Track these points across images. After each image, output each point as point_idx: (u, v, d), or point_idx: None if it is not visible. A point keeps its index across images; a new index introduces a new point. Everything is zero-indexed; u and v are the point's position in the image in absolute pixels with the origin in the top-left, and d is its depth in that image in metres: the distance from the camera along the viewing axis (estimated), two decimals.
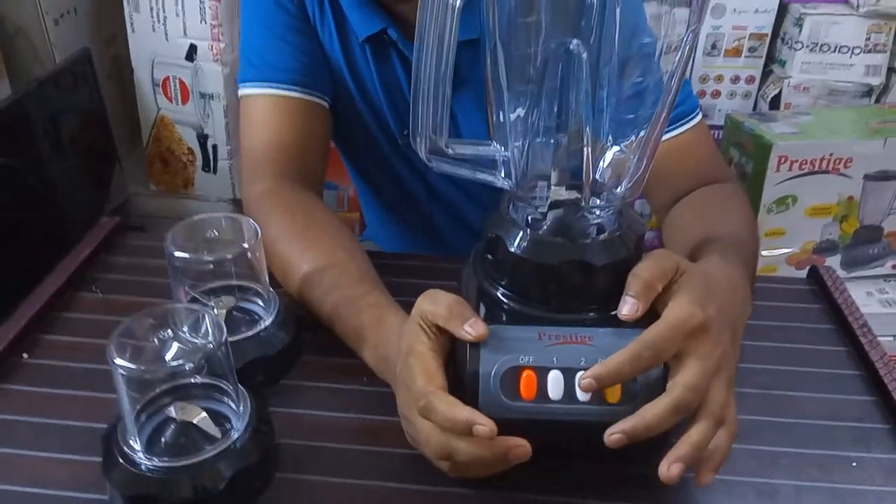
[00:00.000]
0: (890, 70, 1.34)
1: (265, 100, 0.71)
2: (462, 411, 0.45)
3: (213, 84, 1.34)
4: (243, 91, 0.73)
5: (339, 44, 0.75)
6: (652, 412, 0.44)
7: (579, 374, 0.47)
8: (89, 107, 1.35)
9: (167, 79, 1.35)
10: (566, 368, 0.47)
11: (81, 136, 1.34)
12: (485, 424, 0.43)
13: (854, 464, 0.53)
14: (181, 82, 1.35)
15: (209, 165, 1.43)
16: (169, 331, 0.49)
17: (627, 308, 0.47)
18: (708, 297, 0.47)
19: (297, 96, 0.71)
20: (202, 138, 1.40)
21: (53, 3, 1.35)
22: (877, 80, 1.33)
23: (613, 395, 0.47)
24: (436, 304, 0.47)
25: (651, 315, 0.47)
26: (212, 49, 1.31)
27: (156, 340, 0.49)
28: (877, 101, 1.35)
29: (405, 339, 0.49)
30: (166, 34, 1.31)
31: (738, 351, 0.50)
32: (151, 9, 1.30)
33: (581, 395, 0.47)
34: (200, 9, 1.28)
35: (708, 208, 0.67)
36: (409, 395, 0.48)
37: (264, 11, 0.73)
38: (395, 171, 0.83)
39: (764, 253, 1.21)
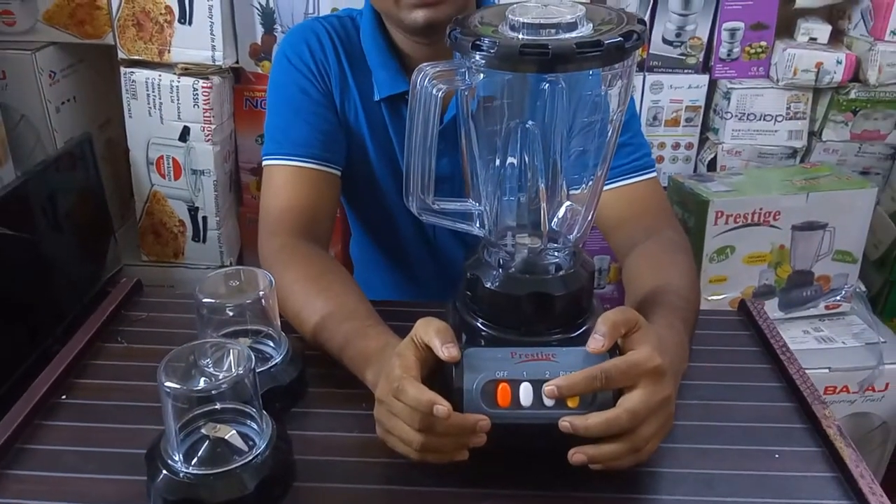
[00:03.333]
0: (811, 134, 1.52)
1: (285, 170, 0.83)
2: (427, 393, 0.55)
3: (204, 161, 1.46)
4: (267, 162, 0.85)
5: (361, 108, 0.87)
6: (594, 419, 0.55)
7: (545, 384, 0.58)
8: (87, 185, 1.46)
9: (161, 157, 1.47)
10: (534, 380, 0.58)
11: (80, 213, 1.43)
12: (444, 405, 0.54)
13: (777, 455, 0.64)
14: (174, 160, 1.46)
15: (199, 236, 1.53)
16: (205, 360, 0.59)
17: (595, 343, 0.58)
18: (663, 350, 0.58)
19: (312, 167, 0.83)
20: (193, 211, 1.50)
21: (55, 93, 1.46)
22: (799, 143, 1.49)
23: (573, 402, 0.58)
24: (427, 325, 0.58)
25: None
26: (203, 130, 1.43)
27: (195, 369, 0.59)
28: (801, 161, 1.52)
29: (398, 348, 0.59)
30: (161, 118, 1.43)
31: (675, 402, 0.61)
32: (148, 95, 1.42)
33: (547, 402, 0.58)
34: (194, 95, 1.41)
35: (660, 260, 0.78)
36: (386, 383, 0.57)
37: (290, 96, 0.86)
38: (399, 219, 0.94)
39: (709, 297, 1.34)
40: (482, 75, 0.56)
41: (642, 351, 0.57)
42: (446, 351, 0.57)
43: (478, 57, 0.53)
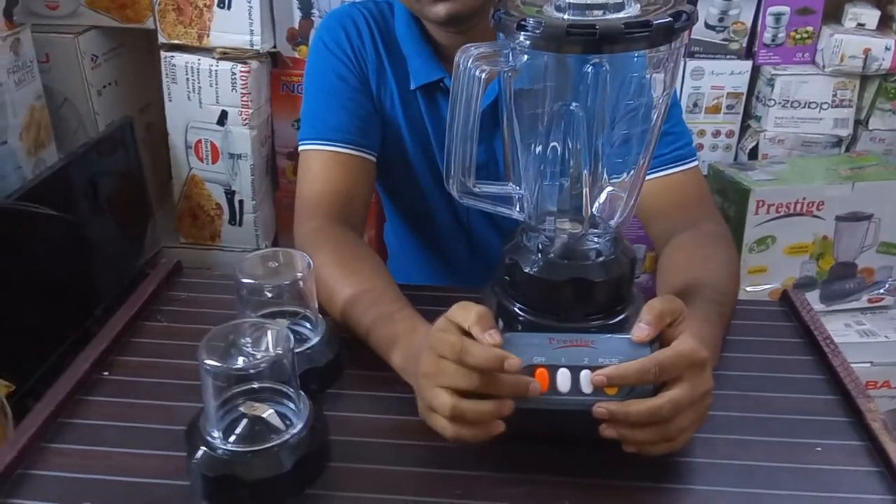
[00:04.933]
0: (857, 122, 1.48)
1: (321, 155, 0.84)
2: (493, 350, 0.54)
3: (242, 145, 1.47)
4: (303, 147, 0.85)
5: (398, 95, 0.87)
6: (635, 406, 0.55)
7: (584, 370, 0.57)
8: (127, 168, 1.48)
9: (199, 141, 1.48)
10: (573, 366, 0.57)
11: (120, 195, 1.46)
12: (514, 358, 0.54)
13: (818, 448, 0.63)
14: (212, 144, 1.48)
15: (235, 219, 1.54)
16: (244, 340, 0.60)
17: (639, 332, 0.57)
18: (705, 344, 0.58)
19: (348, 153, 0.84)
20: (230, 194, 1.52)
21: (97, 76, 1.49)
22: (845, 132, 1.45)
23: (612, 389, 0.57)
24: (466, 311, 0.57)
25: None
26: (241, 115, 1.45)
27: (234, 348, 0.59)
28: (846, 150, 1.48)
29: (438, 324, 0.59)
30: (200, 102, 1.45)
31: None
32: (187, 80, 1.44)
33: (585, 388, 0.57)
34: (232, 79, 1.42)
35: (696, 254, 0.77)
36: (433, 353, 0.56)
37: (327, 82, 0.86)
38: (434, 205, 0.94)
39: (748, 289, 1.31)
40: (526, 57, 0.55)
41: (689, 343, 0.56)
42: (489, 338, 0.56)
43: (522, 38, 0.52)
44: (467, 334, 0.57)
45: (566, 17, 0.53)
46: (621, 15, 0.52)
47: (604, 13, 0.53)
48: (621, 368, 0.55)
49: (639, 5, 0.54)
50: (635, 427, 0.55)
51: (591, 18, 0.52)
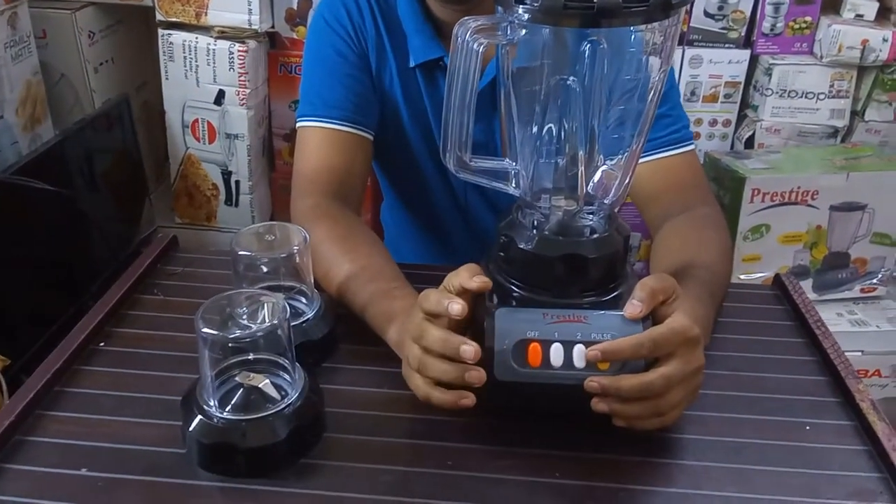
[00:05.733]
0: (853, 113, 1.48)
1: (318, 132, 0.84)
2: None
3: (239, 125, 1.47)
4: (301, 124, 0.85)
5: (397, 73, 0.87)
6: (627, 381, 0.55)
7: (576, 346, 0.58)
8: (123, 146, 1.48)
9: (196, 121, 1.48)
10: (565, 341, 0.58)
11: (116, 173, 1.46)
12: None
13: (808, 427, 0.64)
14: (209, 124, 1.48)
15: (231, 199, 1.54)
16: (240, 310, 0.60)
17: (632, 308, 0.57)
18: (697, 323, 0.58)
19: (346, 130, 0.84)
20: (226, 174, 1.52)
21: (94, 53, 1.48)
22: (841, 123, 1.46)
23: (603, 364, 0.58)
24: (456, 272, 0.58)
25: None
26: (238, 95, 1.44)
27: (230, 320, 0.59)
28: (842, 141, 1.49)
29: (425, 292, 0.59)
30: (197, 81, 1.44)
31: None
32: (185, 58, 1.43)
33: (577, 363, 0.58)
34: (230, 59, 1.41)
35: (690, 237, 0.77)
36: (416, 314, 0.58)
37: (326, 58, 0.86)
38: (431, 184, 0.94)
39: (742, 277, 1.32)
40: (524, 31, 0.56)
41: (682, 320, 0.57)
42: (477, 280, 0.57)
43: (521, 10, 0.52)
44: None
45: None
46: None
47: None
48: (616, 343, 0.56)
49: None
50: (626, 401, 0.56)
51: None
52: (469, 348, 0.55)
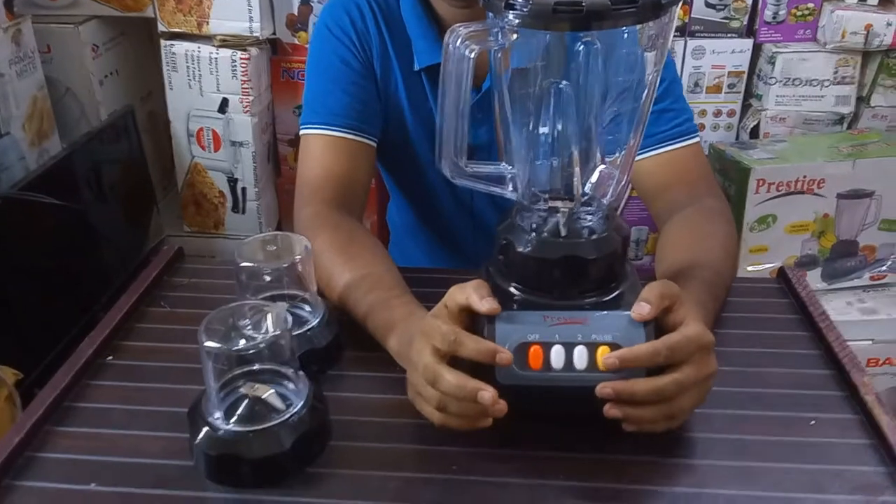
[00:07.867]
0: (859, 99, 1.47)
1: (321, 139, 0.84)
2: (488, 343, 0.56)
3: (244, 133, 1.48)
4: (304, 131, 0.86)
5: (401, 78, 0.87)
6: (641, 385, 0.55)
7: (577, 347, 0.58)
8: (130, 157, 1.49)
9: (201, 129, 1.49)
10: (567, 343, 0.58)
11: (123, 184, 1.47)
12: (505, 352, 0.55)
13: (813, 422, 0.64)
14: (214, 132, 1.49)
15: (238, 206, 1.55)
16: (244, 322, 0.61)
17: (641, 310, 0.57)
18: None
19: (349, 137, 0.84)
20: (232, 182, 1.53)
21: (98, 66, 1.50)
22: (847, 109, 1.45)
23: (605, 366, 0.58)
24: (463, 287, 0.58)
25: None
26: (242, 102, 1.45)
27: (234, 331, 0.60)
28: (848, 127, 1.47)
29: (433, 311, 0.59)
30: (201, 89, 1.45)
31: None
32: (188, 68, 1.44)
33: (578, 365, 0.58)
34: (232, 67, 1.42)
35: (696, 232, 0.77)
36: (426, 343, 0.57)
37: (330, 66, 0.86)
38: (437, 187, 0.95)
39: (749, 268, 1.32)
40: (515, 36, 0.56)
41: (696, 327, 0.57)
42: (486, 304, 0.57)
43: (511, 16, 0.52)
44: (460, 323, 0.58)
45: None
46: None
47: None
48: (633, 351, 0.56)
49: None
50: (638, 405, 0.56)
51: None
52: (487, 394, 0.54)
